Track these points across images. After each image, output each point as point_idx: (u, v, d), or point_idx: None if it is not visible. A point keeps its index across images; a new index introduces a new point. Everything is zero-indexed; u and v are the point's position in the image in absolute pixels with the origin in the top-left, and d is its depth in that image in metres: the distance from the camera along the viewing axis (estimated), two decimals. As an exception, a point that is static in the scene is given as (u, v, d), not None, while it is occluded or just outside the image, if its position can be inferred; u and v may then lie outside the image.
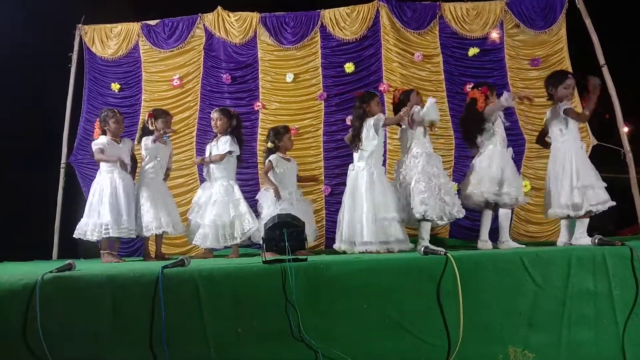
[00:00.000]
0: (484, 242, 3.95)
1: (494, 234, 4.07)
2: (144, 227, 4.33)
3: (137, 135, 4.76)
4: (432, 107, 3.91)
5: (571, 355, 2.69)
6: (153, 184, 4.47)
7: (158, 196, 4.44)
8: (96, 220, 4.19)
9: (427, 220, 3.87)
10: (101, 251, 4.26)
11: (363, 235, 3.89)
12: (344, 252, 3.96)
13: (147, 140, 4.46)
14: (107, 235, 4.17)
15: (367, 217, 3.91)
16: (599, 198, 3.78)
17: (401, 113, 4.03)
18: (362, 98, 4.18)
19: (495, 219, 4.07)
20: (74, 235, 4.31)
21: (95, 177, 4.40)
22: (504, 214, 4.04)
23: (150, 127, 4.47)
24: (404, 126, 4.11)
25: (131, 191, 4.33)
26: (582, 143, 4.06)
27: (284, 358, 2.53)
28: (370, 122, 4.06)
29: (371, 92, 4.45)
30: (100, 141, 4.33)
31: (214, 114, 4.64)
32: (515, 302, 2.72)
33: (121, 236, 4.27)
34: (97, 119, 4.46)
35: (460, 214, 3.91)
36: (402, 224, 3.98)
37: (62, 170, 5.70)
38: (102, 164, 4.33)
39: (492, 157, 3.96)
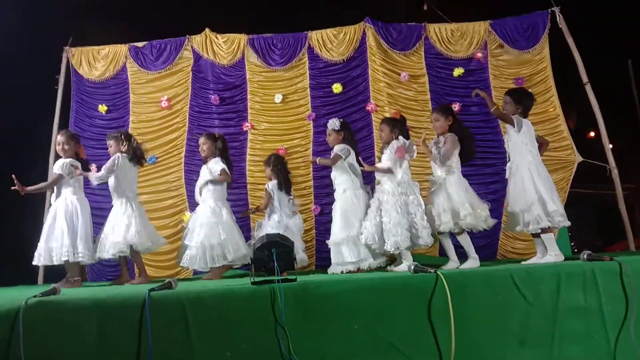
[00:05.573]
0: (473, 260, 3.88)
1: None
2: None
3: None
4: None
5: (563, 372, 2.67)
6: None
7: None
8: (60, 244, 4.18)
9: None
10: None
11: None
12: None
13: None
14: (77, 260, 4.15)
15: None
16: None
17: (326, 161, 4.47)
18: (344, 124, 4.51)
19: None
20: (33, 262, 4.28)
21: (81, 200, 4.37)
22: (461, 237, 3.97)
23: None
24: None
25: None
26: None
27: (274, 381, 2.48)
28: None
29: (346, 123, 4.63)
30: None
31: (200, 140, 4.70)
32: (506, 319, 2.71)
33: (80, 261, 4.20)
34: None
35: (429, 240, 3.85)
36: (350, 245, 4.08)
37: (48, 194, 5.62)
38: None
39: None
